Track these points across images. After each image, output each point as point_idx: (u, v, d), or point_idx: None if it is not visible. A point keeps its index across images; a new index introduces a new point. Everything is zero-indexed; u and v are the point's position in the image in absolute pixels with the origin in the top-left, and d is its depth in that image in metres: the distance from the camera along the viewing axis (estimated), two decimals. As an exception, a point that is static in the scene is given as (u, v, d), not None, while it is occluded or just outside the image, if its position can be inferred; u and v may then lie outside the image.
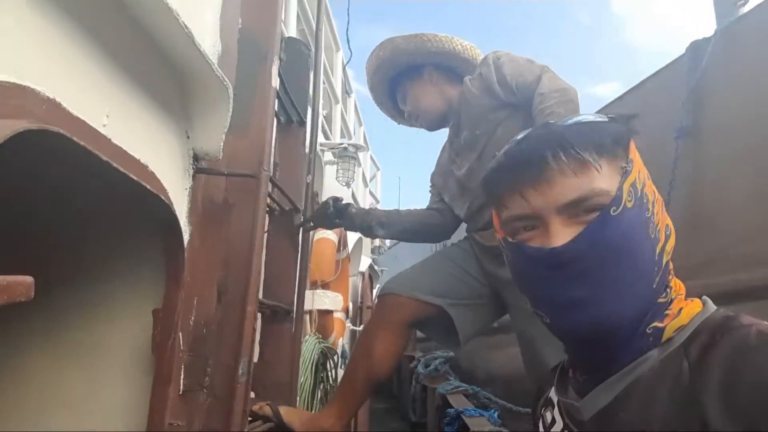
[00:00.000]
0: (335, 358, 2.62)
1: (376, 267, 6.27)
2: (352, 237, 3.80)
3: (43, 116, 0.69)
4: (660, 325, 0.59)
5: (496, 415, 3.42)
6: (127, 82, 0.93)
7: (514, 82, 1.56)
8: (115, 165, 0.81)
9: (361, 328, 4.56)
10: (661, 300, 0.60)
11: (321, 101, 2.07)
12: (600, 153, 0.58)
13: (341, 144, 3.02)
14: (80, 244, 1.08)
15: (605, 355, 0.60)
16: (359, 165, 5.22)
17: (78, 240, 1.08)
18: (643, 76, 2.64)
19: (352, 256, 3.83)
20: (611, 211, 0.57)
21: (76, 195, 1.03)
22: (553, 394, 0.72)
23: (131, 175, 0.87)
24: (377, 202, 8.13)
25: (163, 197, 0.99)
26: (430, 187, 1.96)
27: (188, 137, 1.18)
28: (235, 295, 1.23)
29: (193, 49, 0.99)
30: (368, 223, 1.77)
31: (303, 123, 1.82)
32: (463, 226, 1.86)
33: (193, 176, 1.21)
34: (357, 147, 2.92)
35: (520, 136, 0.65)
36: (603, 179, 0.58)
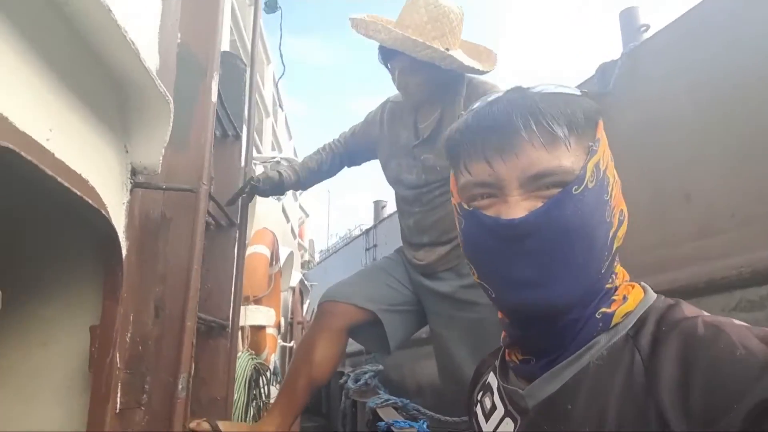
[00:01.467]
0: (268, 374, 2.60)
1: (306, 282, 6.23)
2: (284, 251, 3.78)
3: (-11, 130, 0.68)
4: (608, 310, 0.57)
5: (425, 425, 3.51)
6: (69, 96, 0.92)
7: None
8: (60, 180, 0.81)
9: (291, 344, 4.52)
10: (608, 285, 0.58)
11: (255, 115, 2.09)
12: (571, 128, 0.56)
13: (273, 158, 3.03)
14: (13, 261, 1.04)
15: (552, 339, 0.58)
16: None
17: (10, 257, 1.04)
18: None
19: (284, 271, 3.80)
20: (573, 190, 0.55)
21: (10, 210, 1.00)
22: (492, 378, 0.70)
23: (74, 190, 0.86)
24: (306, 216, 8.09)
25: (103, 212, 0.98)
26: (350, 133, 1.96)
27: (127, 151, 1.17)
28: (173, 311, 1.22)
29: (136, 64, 0.99)
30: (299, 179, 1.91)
31: (238, 137, 1.83)
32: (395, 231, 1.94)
33: (131, 190, 1.19)
34: (289, 161, 2.93)
35: (491, 98, 0.61)
36: (569, 156, 0.56)
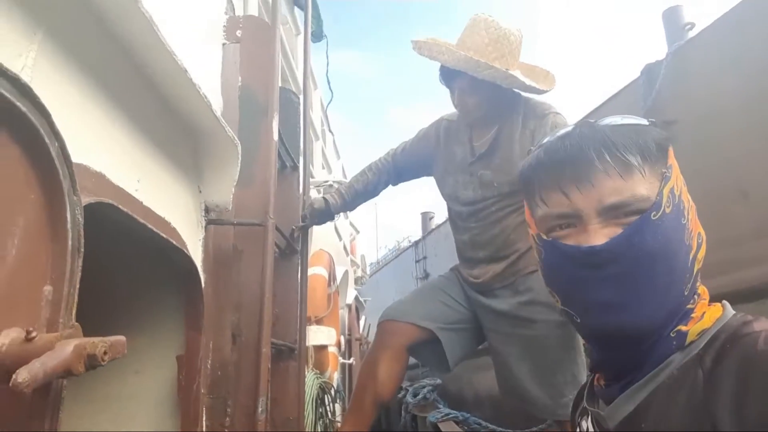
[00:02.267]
0: (332, 392, 2.67)
1: (360, 298, 6.32)
2: (340, 270, 3.87)
3: (93, 189, 0.77)
4: (684, 328, 0.58)
5: (488, 439, 3.49)
6: (151, 148, 1.01)
7: None
8: (149, 226, 0.90)
9: (351, 360, 4.59)
10: (689, 306, 0.60)
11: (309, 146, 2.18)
12: (644, 157, 0.58)
13: (326, 181, 3.13)
14: (107, 299, 1.14)
15: (631, 360, 0.60)
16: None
17: (104, 295, 1.15)
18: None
19: (340, 289, 3.89)
20: (651, 216, 0.56)
21: (104, 253, 1.10)
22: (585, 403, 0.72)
23: (161, 234, 0.95)
24: (357, 232, 8.21)
25: (185, 250, 1.07)
26: (401, 149, 1.99)
27: (200, 191, 1.26)
28: (249, 337, 1.30)
29: (207, 114, 1.09)
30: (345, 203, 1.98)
31: (296, 167, 1.92)
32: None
33: (205, 227, 1.29)
34: (341, 183, 3.03)
35: (561, 133, 0.63)
36: (644, 184, 0.57)
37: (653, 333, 0.58)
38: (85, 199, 0.69)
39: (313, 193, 3.91)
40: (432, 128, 1.95)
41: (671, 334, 0.58)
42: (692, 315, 0.59)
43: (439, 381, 4.94)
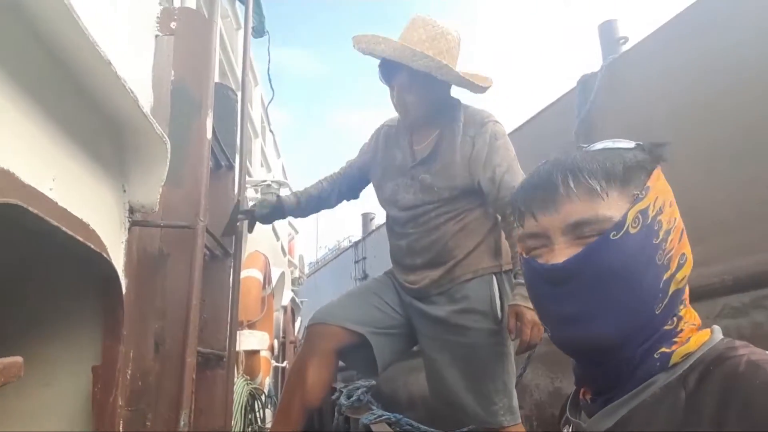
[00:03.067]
0: (263, 398, 2.60)
1: (297, 299, 6.22)
2: (276, 271, 3.78)
3: (-2, 188, 0.70)
4: (667, 350, 0.60)
5: (419, 441, 3.52)
6: (68, 143, 0.94)
7: (500, 178, 1.62)
8: (64, 229, 0.83)
9: (284, 364, 4.50)
10: (667, 327, 0.61)
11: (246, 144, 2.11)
12: (609, 181, 0.61)
13: (264, 181, 3.04)
14: (17, 308, 1.05)
15: (610, 376, 0.62)
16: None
17: (13, 304, 1.06)
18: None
19: (275, 292, 3.80)
20: (611, 235, 0.59)
21: (14, 259, 1.01)
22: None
23: (78, 237, 0.88)
24: (296, 232, 8.09)
25: (104, 254, 1.00)
26: (347, 166, 1.99)
27: (124, 191, 1.19)
28: (172, 346, 1.24)
29: (133, 109, 1.02)
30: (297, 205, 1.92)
31: (231, 167, 1.85)
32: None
33: (129, 229, 1.21)
34: (280, 183, 2.95)
35: (544, 160, 0.69)
36: (609, 206, 0.61)
37: (620, 349, 0.60)
38: (-13, 201, 0.63)
39: (250, 193, 3.81)
40: (372, 137, 1.94)
41: (655, 355, 0.60)
42: (676, 338, 0.61)
43: (373, 382, 4.93)
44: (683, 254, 0.64)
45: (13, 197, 0.70)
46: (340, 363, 1.85)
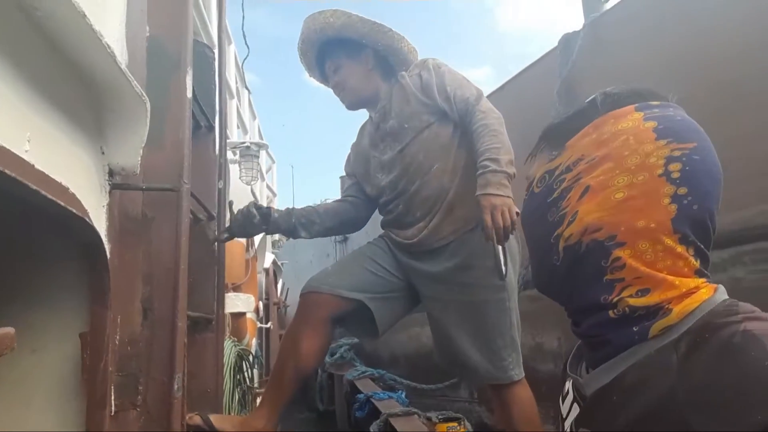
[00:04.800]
0: (250, 358, 2.61)
1: (278, 261, 6.22)
2: (258, 234, 3.76)
3: (-30, 149, 0.66)
4: (633, 302, 0.58)
5: (403, 395, 3.60)
6: (43, 103, 0.89)
7: (453, 93, 1.69)
8: (43, 193, 0.79)
9: (269, 325, 4.53)
10: (607, 277, 0.60)
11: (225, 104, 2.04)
12: (549, 143, 0.69)
13: (243, 143, 2.97)
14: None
15: (592, 332, 0.62)
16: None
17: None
18: (511, 60, 2.93)
19: (258, 254, 3.79)
20: (525, 194, 0.69)
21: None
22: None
23: (58, 201, 0.84)
24: (274, 195, 8.01)
25: (87, 219, 0.96)
26: (345, 177, 2.02)
27: (103, 153, 1.14)
28: (161, 311, 1.22)
29: (111, 66, 0.97)
30: (292, 225, 1.81)
31: (212, 128, 1.80)
32: (376, 224, 1.95)
33: (110, 192, 1.17)
34: (260, 145, 2.89)
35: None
36: (538, 167, 0.69)
37: (548, 292, 0.69)
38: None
39: (230, 155, 3.74)
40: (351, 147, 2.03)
41: (624, 309, 0.59)
42: (669, 292, 0.58)
43: (356, 340, 5.01)
44: (576, 212, 0.62)
45: (-14, 159, 0.66)
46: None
